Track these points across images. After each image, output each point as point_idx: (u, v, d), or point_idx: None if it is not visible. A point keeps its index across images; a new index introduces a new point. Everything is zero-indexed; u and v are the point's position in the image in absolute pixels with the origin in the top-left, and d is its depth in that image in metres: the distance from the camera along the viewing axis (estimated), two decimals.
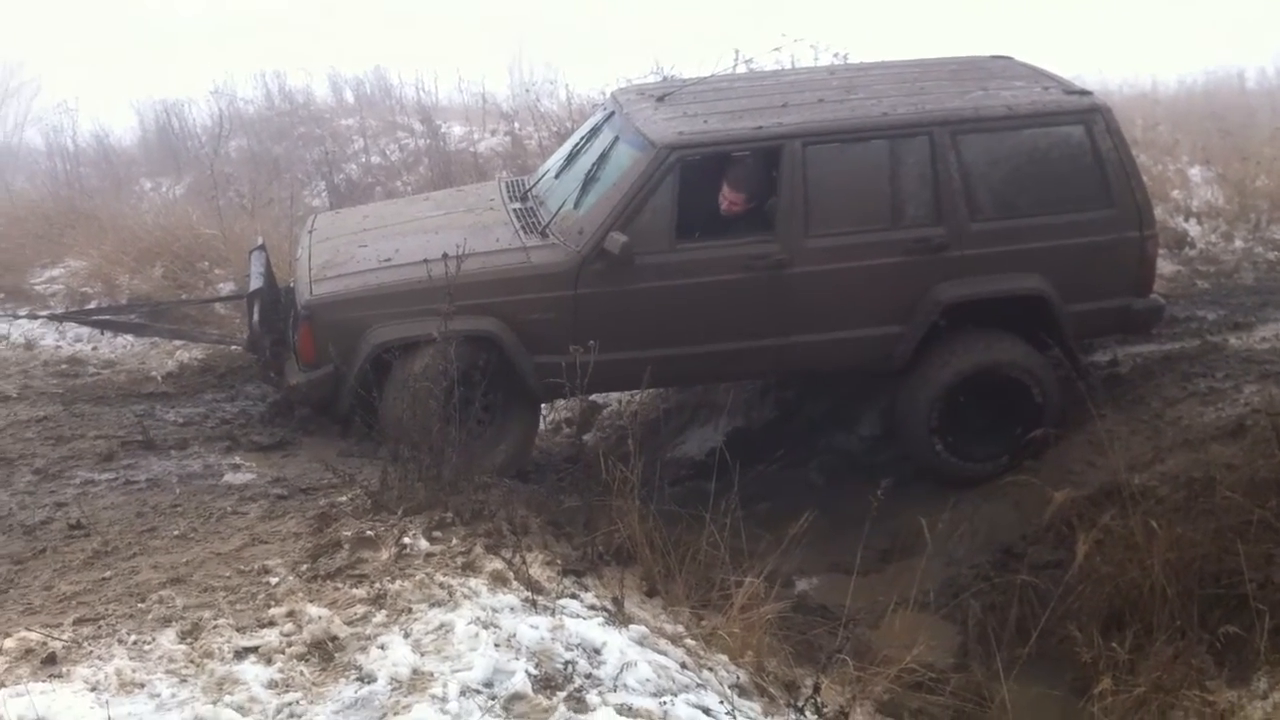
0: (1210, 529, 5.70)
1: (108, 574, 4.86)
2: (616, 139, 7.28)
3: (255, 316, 7.19)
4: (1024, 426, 7.10)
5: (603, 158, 7.25)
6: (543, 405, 7.62)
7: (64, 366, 8.26)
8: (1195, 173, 11.54)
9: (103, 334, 8.76)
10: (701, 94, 7.54)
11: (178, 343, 8.62)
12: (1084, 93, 7.50)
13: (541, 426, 8.74)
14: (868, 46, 13.28)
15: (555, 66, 23.54)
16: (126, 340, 8.77)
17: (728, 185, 7.04)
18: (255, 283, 7.37)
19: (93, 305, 9.45)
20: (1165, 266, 9.51)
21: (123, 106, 19.61)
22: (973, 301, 7.05)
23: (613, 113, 7.59)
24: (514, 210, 7.40)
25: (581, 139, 7.78)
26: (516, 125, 15.41)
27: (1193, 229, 10.24)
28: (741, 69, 12.95)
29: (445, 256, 6.08)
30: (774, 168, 6.95)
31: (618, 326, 6.66)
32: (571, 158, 7.66)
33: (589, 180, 7.17)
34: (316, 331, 6.68)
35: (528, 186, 7.78)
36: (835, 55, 13.08)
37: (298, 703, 3.87)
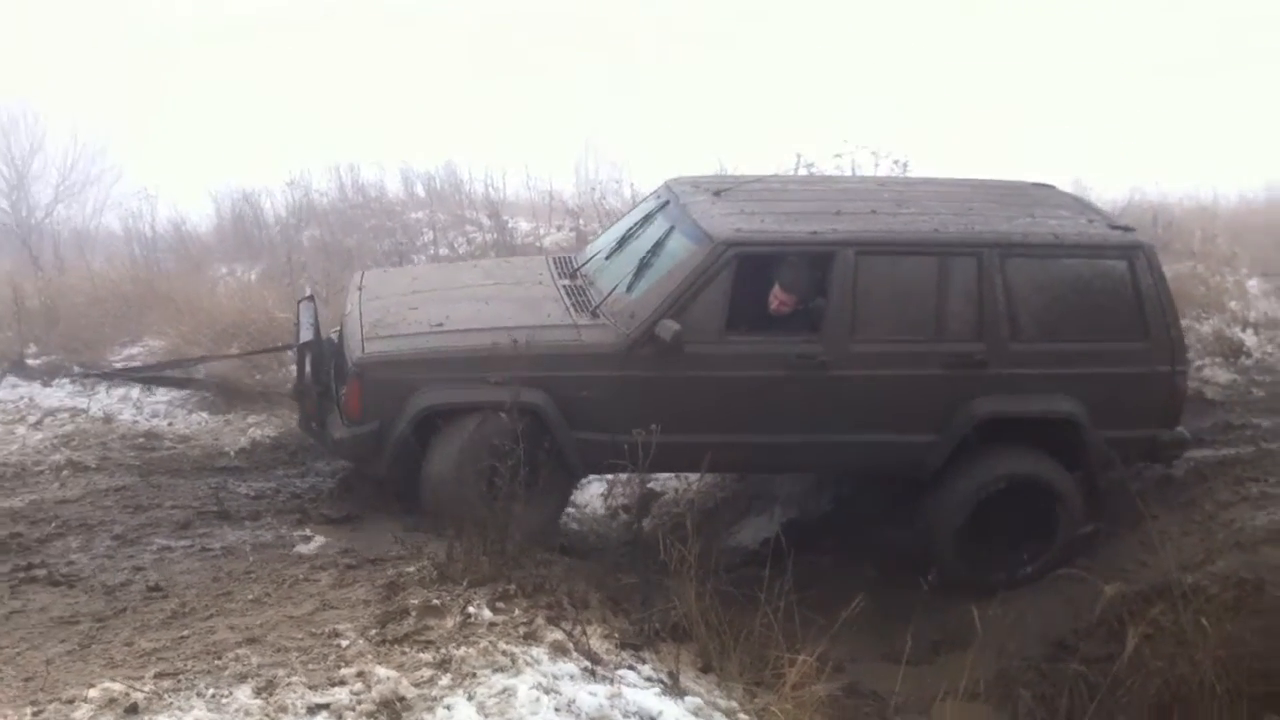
0: (1259, 628, 5.77)
1: (185, 633, 5.08)
2: (672, 228, 7.48)
3: (307, 367, 7.33)
4: (1045, 542, 7.33)
5: (657, 245, 7.45)
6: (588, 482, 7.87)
7: (140, 440, 8.54)
8: (1254, 284, 11.66)
9: (179, 407, 9.09)
10: (756, 193, 7.80)
11: (250, 419, 8.93)
12: (1128, 229, 7.77)
13: (600, 511, 8.95)
14: (923, 156, 13.65)
15: (620, 165, 24.11)
16: (202, 416, 9.09)
17: (780, 286, 7.21)
18: (305, 334, 7.49)
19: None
20: (1220, 374, 9.64)
21: (198, 193, 20.27)
22: (1007, 418, 7.22)
23: (667, 202, 7.81)
24: (563, 287, 7.61)
25: (635, 224, 7.99)
26: (581, 221, 15.80)
27: (1249, 339, 10.33)
28: (802, 172, 13.34)
29: (509, 331, 6.46)
30: (825, 272, 7.14)
31: (662, 410, 6.74)
32: (623, 241, 7.87)
33: (642, 266, 7.37)
34: (365, 388, 6.85)
35: (577, 265, 8.01)
36: (895, 163, 13.44)
37: None
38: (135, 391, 9.53)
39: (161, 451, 8.29)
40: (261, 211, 18.26)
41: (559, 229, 15.84)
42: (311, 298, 8.14)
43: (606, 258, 7.83)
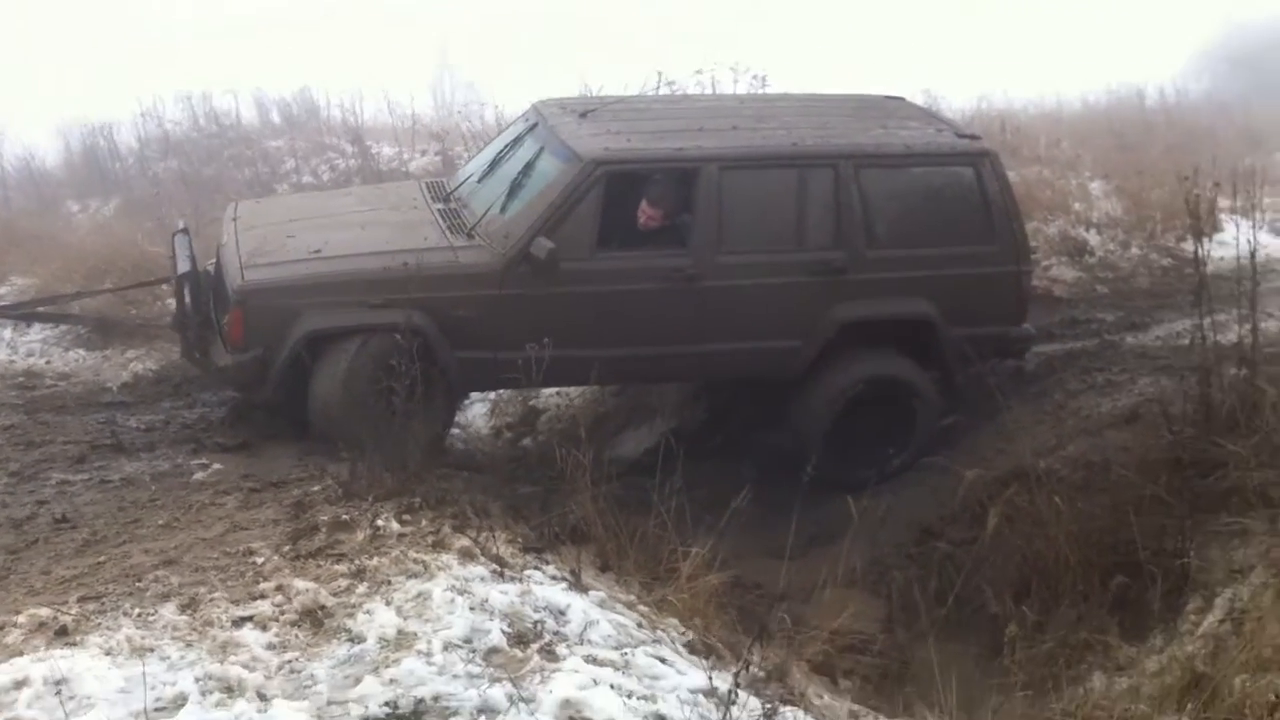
0: (1108, 504, 6.29)
1: (101, 559, 5.23)
2: (542, 149, 7.68)
3: (187, 298, 7.41)
4: (908, 437, 7.81)
5: (528, 167, 7.64)
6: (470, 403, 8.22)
7: (20, 379, 8.51)
8: (1096, 186, 12.26)
9: (54, 345, 9.06)
10: (622, 113, 8.04)
11: (130, 354, 8.93)
12: (974, 137, 8.26)
13: (485, 431, 9.20)
14: (780, 71, 13.96)
15: (477, 85, 23.98)
16: (79, 353, 9.05)
17: (647, 202, 7.47)
18: (183, 265, 7.57)
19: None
20: (1067, 272, 10.23)
21: (42, 128, 19.69)
22: (866, 321, 7.63)
23: (535, 124, 8.00)
24: (438, 210, 7.78)
25: (504, 147, 8.16)
26: (446, 145, 15.82)
27: (1093, 238, 10.94)
28: (664, 90, 13.54)
29: (389, 255, 6.81)
30: (690, 187, 7.42)
31: (540, 327, 6.90)
32: (494, 164, 8.05)
33: (515, 187, 7.55)
34: (248, 316, 6.94)
35: (449, 189, 8.17)
36: (754, 78, 13.73)
37: (297, 660, 4.28)
38: (8, 331, 9.42)
39: (43, 390, 8.28)
40: (114, 144, 17.86)
41: (424, 153, 15.86)
42: (186, 230, 8.16)
43: (479, 180, 7.98)
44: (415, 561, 4.99)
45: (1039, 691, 5.46)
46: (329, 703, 4.01)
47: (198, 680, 4.08)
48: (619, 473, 8.16)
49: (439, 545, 5.21)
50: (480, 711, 4.01)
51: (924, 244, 7.68)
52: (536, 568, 5.26)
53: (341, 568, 4.96)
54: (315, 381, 6.93)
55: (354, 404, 6.77)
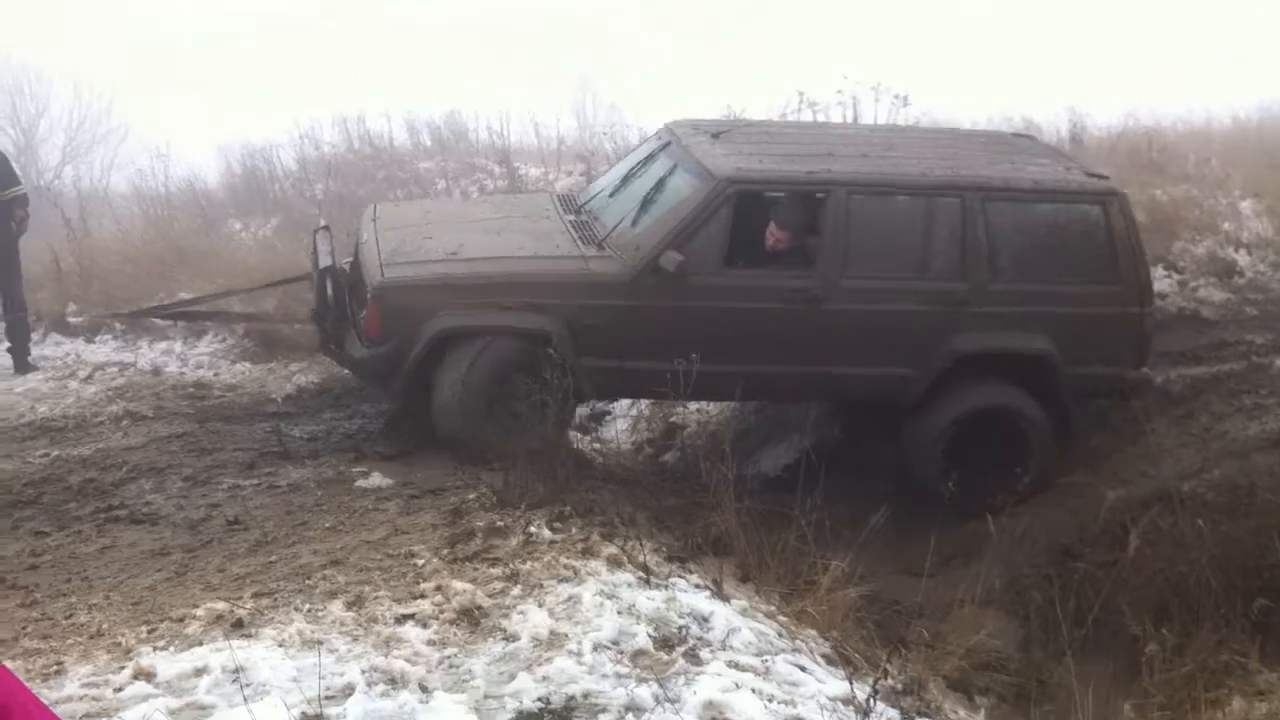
0: (1252, 528, 6.26)
1: (272, 558, 5.57)
2: (675, 167, 7.88)
3: (329, 290, 7.72)
4: (1019, 469, 7.72)
5: (660, 183, 7.85)
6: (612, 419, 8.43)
7: (190, 389, 8.99)
8: (1246, 205, 12.02)
9: (222, 358, 9.59)
10: (754, 135, 8.25)
11: (293, 367, 9.39)
12: (1103, 177, 8.20)
13: (626, 446, 9.41)
14: (923, 91, 13.98)
15: (619, 107, 24.40)
16: (245, 366, 9.56)
17: (775, 223, 7.62)
18: (324, 260, 7.88)
19: (208, 337, 10.27)
20: (1215, 294, 10.06)
21: (205, 150, 20.61)
22: (985, 354, 7.63)
23: (669, 143, 8.21)
24: (569, 221, 7.99)
25: (637, 164, 8.39)
26: (590, 166, 16.16)
27: (1242, 259, 10.72)
28: (805, 109, 13.69)
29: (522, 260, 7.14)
30: (818, 210, 7.55)
31: (665, 339, 7.18)
32: (626, 180, 8.27)
33: (646, 202, 7.76)
34: (384, 311, 7.21)
35: (581, 202, 8.42)
36: (896, 97, 13.78)
37: (455, 655, 4.53)
38: (179, 345, 10.00)
39: (212, 400, 8.74)
40: (274, 166, 18.63)
41: (569, 174, 16.21)
42: (327, 228, 8.52)
43: (610, 195, 8.23)
44: (566, 567, 5.23)
45: (1177, 714, 5.48)
46: (486, 696, 4.25)
47: (364, 672, 4.35)
48: (760, 488, 8.37)
49: (588, 552, 5.45)
50: (628, 709, 4.21)
51: (1047, 280, 7.69)
52: (680, 576, 5.45)
53: (496, 571, 5.22)
54: (438, 383, 7.21)
55: (473, 406, 7.07)
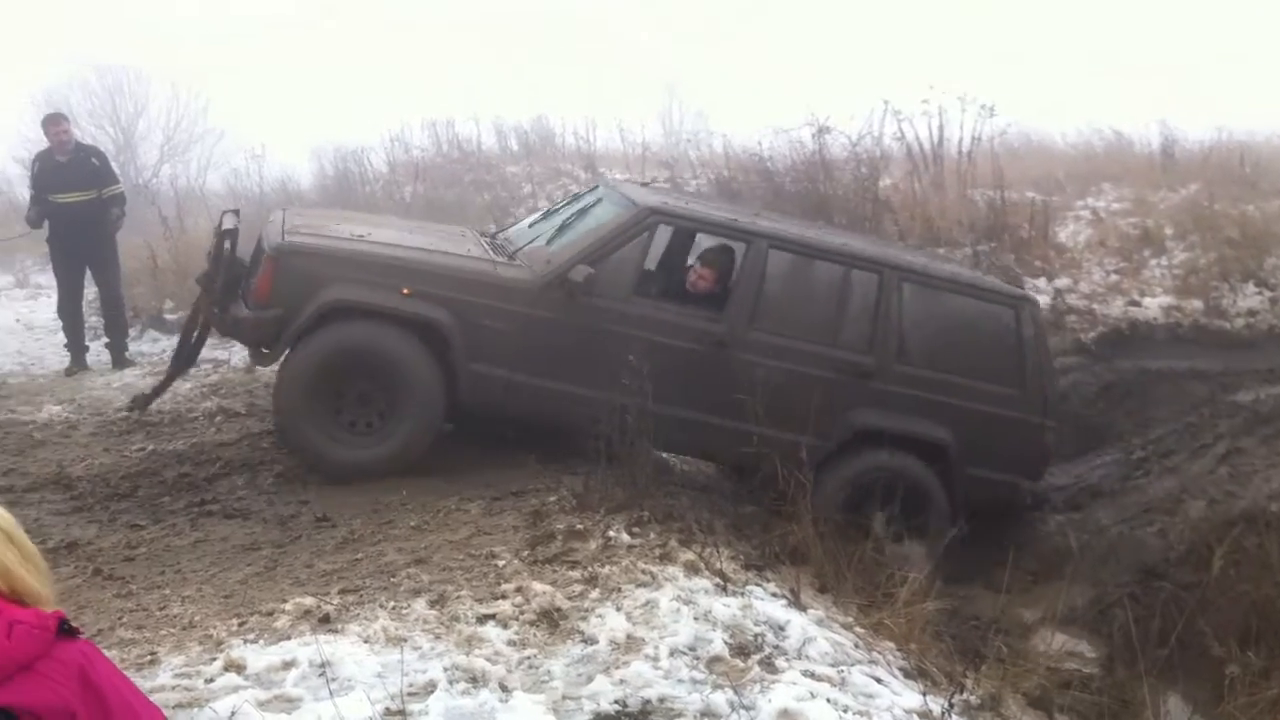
0: None
1: (359, 556, 5.70)
2: (600, 200, 7.94)
3: (226, 248, 7.48)
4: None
5: (583, 212, 7.88)
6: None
7: None
8: None
9: None
10: (688, 196, 8.55)
11: None
12: (1019, 288, 8.53)
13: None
14: (1010, 101, 13.90)
15: (705, 114, 24.45)
16: None
17: (700, 262, 7.69)
18: (228, 224, 7.74)
19: None
20: None
21: (297, 150, 21.02)
22: (885, 432, 7.42)
23: (598, 188, 8.37)
24: (486, 242, 8.02)
25: (562, 205, 8.53)
26: (674, 172, 16.26)
27: None
28: (890, 119, 13.69)
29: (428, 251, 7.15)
30: (738, 259, 7.53)
31: (561, 358, 7.10)
32: (548, 215, 8.40)
33: (565, 227, 7.77)
34: (277, 273, 6.99)
35: (495, 233, 8.57)
36: (982, 108, 13.73)
37: (535, 656, 4.61)
38: None
39: None
40: (365, 168, 18.97)
41: (654, 180, 16.33)
42: (237, 211, 8.43)
43: (530, 225, 8.31)
44: (644, 572, 5.29)
45: None
46: (564, 697, 4.32)
47: (446, 670, 4.44)
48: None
49: (666, 558, 5.50)
50: (703, 715, 4.26)
51: (952, 371, 7.62)
52: (757, 584, 5.49)
53: (576, 574, 5.29)
54: (282, 371, 7.12)
55: (295, 394, 6.97)
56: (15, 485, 7.19)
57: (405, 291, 6.93)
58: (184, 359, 7.99)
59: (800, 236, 7.74)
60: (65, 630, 2.67)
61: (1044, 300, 10.86)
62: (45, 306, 13.52)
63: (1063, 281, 11.36)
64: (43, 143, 11.35)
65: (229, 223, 7.87)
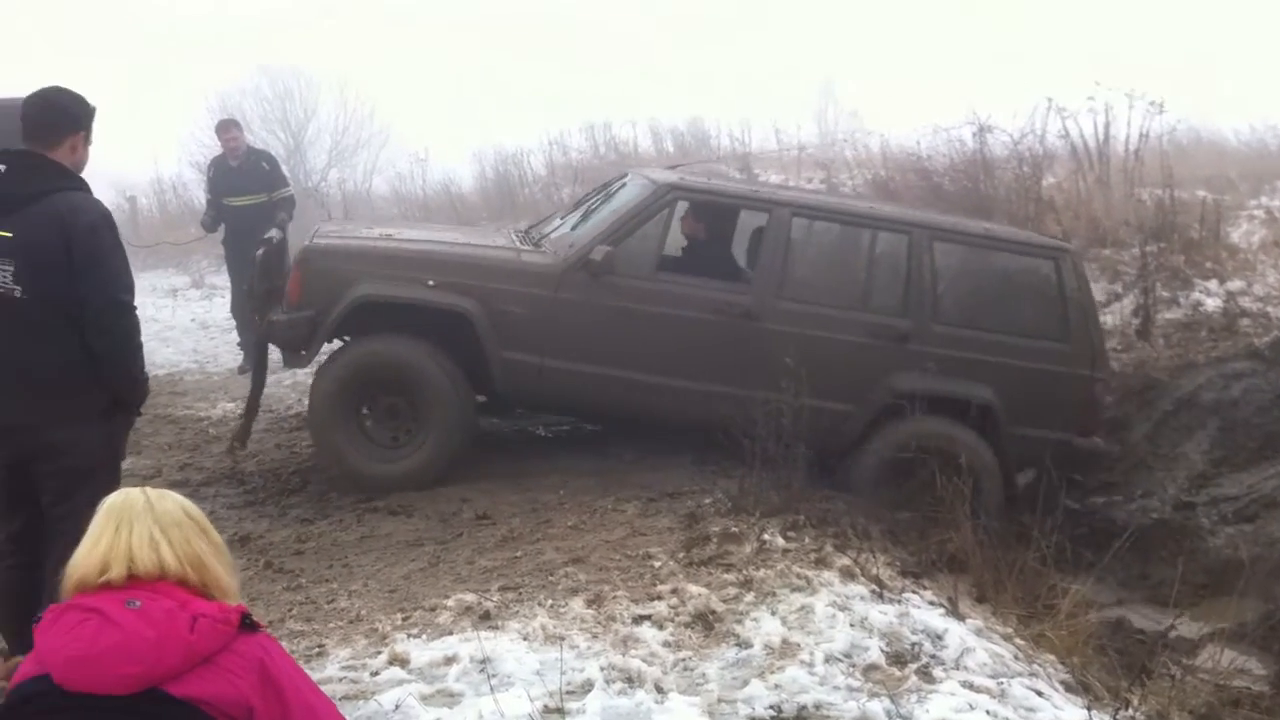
0: None
1: (518, 554, 5.81)
2: (624, 185, 7.96)
3: (259, 255, 7.75)
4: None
5: (608, 198, 7.93)
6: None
7: None
8: None
9: None
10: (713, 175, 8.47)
11: None
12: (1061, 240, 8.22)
13: None
14: (1181, 99, 13.46)
15: (860, 114, 24.24)
16: None
17: (691, 214, 7.81)
18: (273, 234, 8.11)
19: None
20: None
21: (455, 153, 21.45)
22: (925, 396, 7.20)
23: (625, 175, 8.32)
24: (516, 235, 8.14)
25: (592, 194, 8.55)
26: (830, 173, 16.15)
27: None
28: (1054, 116, 13.38)
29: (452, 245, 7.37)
30: (753, 232, 7.60)
31: (589, 339, 7.11)
32: (579, 206, 8.42)
33: (589, 213, 7.82)
34: (306, 275, 7.16)
35: (527, 228, 8.62)
36: (1151, 104, 13.32)
37: (690, 658, 4.64)
38: None
39: None
40: (524, 171, 19.29)
41: (809, 181, 16.26)
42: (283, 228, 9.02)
43: (561, 219, 8.32)
44: (799, 576, 5.28)
45: None
46: (719, 700, 4.33)
47: (603, 669, 4.49)
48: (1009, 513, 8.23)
49: (821, 563, 5.49)
50: None
51: (992, 329, 7.47)
52: (914, 592, 5.43)
53: (730, 577, 5.31)
54: (317, 377, 7.30)
55: (335, 413, 7.10)
56: (191, 479, 7.53)
57: (431, 283, 7.05)
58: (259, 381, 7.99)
59: (823, 203, 7.85)
60: (247, 624, 2.79)
61: (1215, 303, 10.52)
62: (219, 306, 14.10)
63: (1235, 284, 10.95)
64: (218, 149, 11.83)
65: (274, 234, 8.29)
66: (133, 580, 2.78)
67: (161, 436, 8.69)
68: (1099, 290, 10.77)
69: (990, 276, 7.72)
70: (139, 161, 22.33)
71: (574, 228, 7.70)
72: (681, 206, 7.66)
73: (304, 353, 7.27)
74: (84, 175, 4.46)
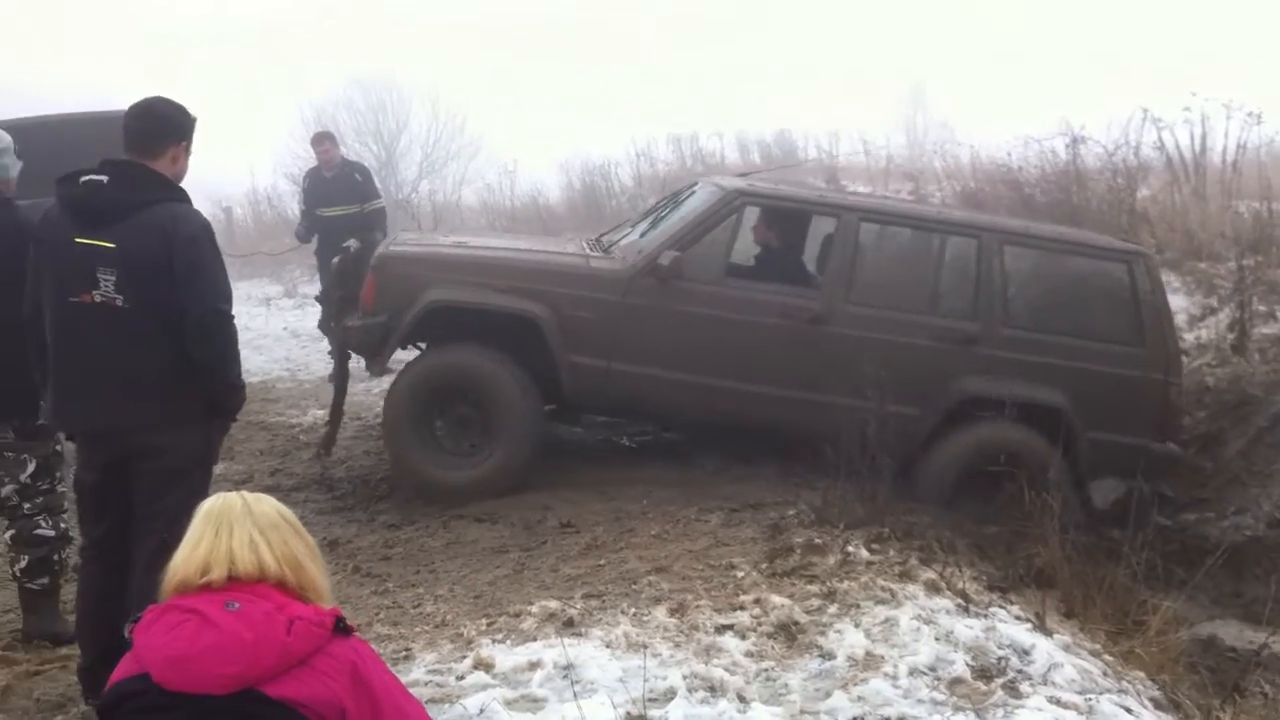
0: None
1: (601, 562, 5.86)
2: (693, 192, 8.00)
3: (335, 263, 8.03)
4: None
5: (677, 205, 7.97)
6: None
7: None
8: None
9: None
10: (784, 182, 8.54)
11: None
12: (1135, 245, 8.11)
13: None
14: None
15: (950, 124, 24.02)
16: None
17: (764, 221, 7.90)
18: (352, 243, 8.39)
19: None
20: None
21: (540, 164, 21.62)
22: (993, 400, 7.09)
23: (696, 184, 8.34)
24: (587, 244, 8.16)
25: (662, 204, 8.60)
26: (918, 184, 16.04)
27: None
28: (1149, 127, 13.17)
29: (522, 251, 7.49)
30: (823, 238, 7.62)
31: (657, 344, 7.15)
32: (648, 214, 8.49)
33: (658, 220, 7.86)
34: (380, 281, 7.32)
35: (599, 236, 8.64)
36: (1249, 115, 13.06)
37: (772, 669, 4.64)
38: None
39: None
40: (611, 182, 19.40)
41: (897, 192, 16.15)
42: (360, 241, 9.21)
43: (631, 226, 8.40)
44: (883, 589, 5.26)
45: None
46: (801, 711, 4.33)
47: (685, 678, 4.51)
48: (1086, 521, 8.12)
49: (905, 575, 5.46)
50: None
51: (1064, 332, 7.39)
52: (1000, 606, 5.38)
53: (814, 588, 5.30)
54: (392, 387, 7.45)
55: (408, 424, 7.23)
56: (282, 484, 7.68)
57: (501, 288, 7.18)
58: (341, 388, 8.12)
59: (891, 207, 7.85)
60: (340, 627, 2.85)
61: None
62: (312, 316, 14.34)
63: None
64: (313, 160, 12.06)
65: (351, 243, 8.59)
66: (233, 582, 2.86)
67: (254, 442, 8.89)
68: (1194, 304, 10.60)
69: (1062, 280, 7.68)
70: (235, 172, 22.81)
71: (643, 234, 7.78)
72: (750, 212, 7.75)
73: (382, 357, 7.48)
74: (182, 185, 4.58)
